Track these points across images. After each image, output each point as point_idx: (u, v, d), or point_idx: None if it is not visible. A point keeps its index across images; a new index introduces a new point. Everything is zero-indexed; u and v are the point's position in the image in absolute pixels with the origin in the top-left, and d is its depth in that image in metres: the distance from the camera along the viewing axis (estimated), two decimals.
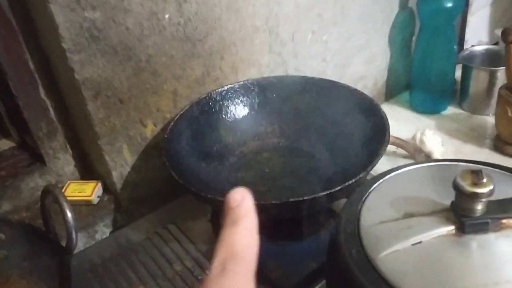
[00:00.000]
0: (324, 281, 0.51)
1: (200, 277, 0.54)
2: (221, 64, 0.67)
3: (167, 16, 0.59)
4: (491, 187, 0.34)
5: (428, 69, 0.85)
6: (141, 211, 0.67)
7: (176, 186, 0.68)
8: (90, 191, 0.65)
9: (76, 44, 0.54)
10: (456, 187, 0.35)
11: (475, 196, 0.34)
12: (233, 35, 0.66)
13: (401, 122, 0.87)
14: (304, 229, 0.58)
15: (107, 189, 0.67)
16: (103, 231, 0.65)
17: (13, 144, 0.68)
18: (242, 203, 0.25)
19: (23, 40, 0.58)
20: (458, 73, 0.87)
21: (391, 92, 0.94)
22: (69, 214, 0.42)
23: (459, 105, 0.89)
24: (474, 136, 0.82)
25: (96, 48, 0.55)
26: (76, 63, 0.54)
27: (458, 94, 0.89)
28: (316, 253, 0.54)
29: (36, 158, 0.66)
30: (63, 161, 0.66)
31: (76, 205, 0.63)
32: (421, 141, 0.76)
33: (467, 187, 0.34)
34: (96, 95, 0.57)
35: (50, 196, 0.44)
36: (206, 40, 0.64)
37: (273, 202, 0.45)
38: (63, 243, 0.47)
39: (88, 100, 0.57)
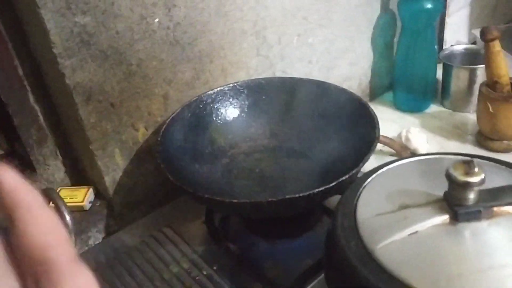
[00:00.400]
0: (320, 277, 0.52)
1: (197, 278, 0.54)
2: (210, 67, 0.67)
3: (156, 20, 0.60)
4: (483, 176, 0.35)
5: (410, 69, 0.87)
6: (134, 216, 0.67)
7: (170, 189, 0.68)
8: (82, 197, 0.64)
9: (67, 49, 0.54)
10: (449, 177, 0.36)
11: (468, 185, 0.36)
12: (222, 38, 0.67)
13: (386, 121, 0.89)
14: (299, 227, 0.59)
15: (99, 194, 0.67)
16: (96, 236, 0.64)
17: (2, 152, 0.67)
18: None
19: (13, 47, 0.57)
20: (439, 73, 0.90)
21: (375, 92, 0.96)
22: (67, 217, 0.42)
23: (441, 103, 0.91)
24: (457, 132, 0.84)
25: (87, 52, 0.55)
26: (67, 68, 0.54)
27: (440, 92, 0.91)
28: (311, 250, 0.55)
29: (26, 166, 0.65)
30: (54, 168, 0.66)
31: None
32: (407, 139, 0.78)
33: (460, 176, 0.36)
34: (88, 99, 0.57)
35: (48, 200, 0.44)
36: (196, 44, 0.65)
37: (270, 199, 0.46)
38: None
39: (79, 105, 0.57)
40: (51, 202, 0.43)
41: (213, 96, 0.66)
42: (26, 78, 0.60)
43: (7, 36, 0.57)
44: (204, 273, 0.55)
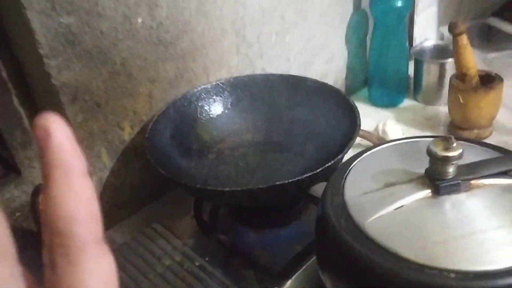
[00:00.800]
0: (310, 261, 0.54)
1: (190, 269, 0.55)
2: (193, 66, 0.69)
3: (139, 20, 0.61)
4: (460, 150, 0.38)
5: (383, 65, 0.91)
6: (121, 215, 0.68)
7: (157, 187, 0.69)
8: None
9: (52, 49, 0.54)
10: (430, 153, 0.39)
11: (447, 159, 0.38)
12: (203, 37, 0.69)
13: (362, 116, 0.90)
14: (287, 216, 0.61)
15: None
16: None
17: None
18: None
19: None
20: (411, 69, 0.94)
21: (351, 89, 1.00)
22: None
23: (414, 97, 0.95)
24: (430, 124, 0.88)
25: (72, 52, 0.56)
26: (53, 68, 0.55)
27: (413, 87, 0.95)
28: (300, 238, 0.57)
29: (11, 169, 0.65)
30: (39, 170, 0.66)
31: None
32: (384, 132, 0.81)
33: (440, 152, 0.38)
34: (74, 99, 0.58)
35: (40, 196, 0.44)
36: (178, 43, 0.66)
37: (260, 186, 0.47)
38: None
39: (66, 104, 0.58)
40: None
41: (197, 94, 0.67)
42: (9, 80, 0.60)
43: None
44: (197, 264, 0.56)
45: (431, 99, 0.93)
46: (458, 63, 0.78)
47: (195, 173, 0.61)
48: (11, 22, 0.56)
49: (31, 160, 0.64)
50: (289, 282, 0.53)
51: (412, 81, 0.95)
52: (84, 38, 0.57)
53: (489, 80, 0.77)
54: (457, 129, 0.82)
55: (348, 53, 0.95)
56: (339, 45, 0.92)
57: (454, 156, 0.38)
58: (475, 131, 0.80)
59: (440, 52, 0.94)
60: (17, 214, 0.62)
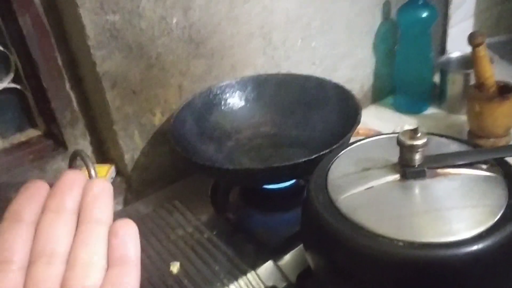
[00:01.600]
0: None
1: (199, 240, 0.63)
2: (221, 63, 0.77)
3: (174, 20, 0.70)
4: (425, 139, 0.43)
5: (408, 74, 0.95)
6: (149, 192, 0.76)
7: (180, 170, 0.77)
8: (105, 173, 0.74)
9: (99, 42, 0.64)
10: (399, 142, 0.44)
11: (413, 148, 0.43)
12: (231, 39, 0.77)
13: (386, 121, 0.96)
14: (291, 202, 0.67)
15: (119, 172, 0.77)
16: (115, 207, 0.74)
17: (40, 133, 0.78)
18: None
19: (54, 41, 0.68)
20: (437, 78, 0.97)
21: (377, 95, 1.04)
22: (93, 173, 0.51)
23: (439, 106, 0.98)
24: (450, 132, 0.89)
25: (115, 45, 0.66)
26: (98, 58, 0.65)
27: (438, 96, 0.98)
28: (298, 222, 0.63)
29: (60, 144, 0.76)
30: (82, 147, 0.76)
31: None
32: None
33: (407, 141, 0.43)
34: (113, 86, 0.68)
35: (78, 158, 0.53)
36: (208, 43, 0.74)
37: (259, 167, 0.54)
38: None
39: (106, 90, 0.67)
40: (78, 159, 0.52)
41: (222, 88, 0.75)
42: (64, 67, 0.71)
43: (51, 32, 0.68)
44: (205, 236, 0.63)
45: (454, 108, 0.95)
46: (476, 73, 0.81)
47: (213, 157, 0.68)
48: (68, 18, 0.66)
49: (76, 138, 0.75)
50: (284, 258, 0.59)
51: (437, 90, 0.98)
52: (126, 33, 0.66)
53: (506, 91, 0.79)
54: (475, 137, 0.84)
55: (376, 61, 1.00)
56: (365, 53, 0.97)
57: (418, 145, 0.43)
58: (491, 139, 0.82)
59: (467, 63, 0.96)
60: None
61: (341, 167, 0.49)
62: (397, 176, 0.45)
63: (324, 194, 0.46)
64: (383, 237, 0.39)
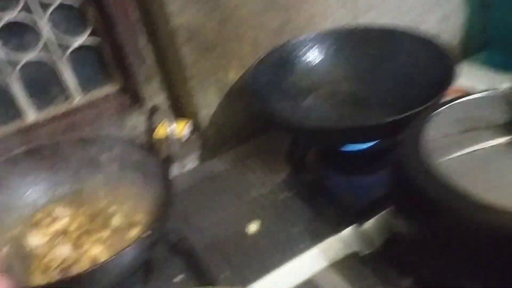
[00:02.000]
0: (388, 208, 0.56)
1: (277, 201, 0.61)
2: (297, 17, 0.72)
3: None
4: None
5: (508, 25, 0.84)
6: (224, 150, 0.75)
7: (255, 128, 0.75)
8: (181, 128, 0.74)
9: None
10: (509, 100, 0.38)
11: None
12: None
13: (477, 80, 0.87)
14: (374, 164, 0.63)
15: (195, 129, 0.76)
16: (191, 163, 0.74)
17: (117, 88, 0.78)
18: None
19: None
20: None
21: (468, 51, 0.94)
22: (171, 126, 0.51)
23: None
24: None
25: None
26: (172, 10, 0.63)
27: None
28: (385, 186, 0.59)
29: (136, 100, 0.76)
30: (158, 103, 0.76)
31: None
32: None
33: None
34: (188, 40, 0.66)
35: (157, 112, 0.53)
36: None
37: (337, 126, 0.50)
38: None
39: (181, 45, 0.66)
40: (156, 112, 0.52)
41: (299, 42, 0.71)
42: (139, 22, 0.69)
43: None
44: (282, 197, 0.61)
45: None
46: None
47: (290, 115, 0.65)
48: None
49: (152, 93, 0.75)
50: (368, 222, 0.55)
51: None
52: None
53: None
54: None
55: (467, 12, 0.90)
56: (455, 3, 0.87)
57: None
58: None
59: None
60: (140, 138, 0.73)
61: (437, 128, 0.44)
62: (507, 138, 0.39)
63: (419, 157, 0.41)
64: (493, 207, 0.34)
